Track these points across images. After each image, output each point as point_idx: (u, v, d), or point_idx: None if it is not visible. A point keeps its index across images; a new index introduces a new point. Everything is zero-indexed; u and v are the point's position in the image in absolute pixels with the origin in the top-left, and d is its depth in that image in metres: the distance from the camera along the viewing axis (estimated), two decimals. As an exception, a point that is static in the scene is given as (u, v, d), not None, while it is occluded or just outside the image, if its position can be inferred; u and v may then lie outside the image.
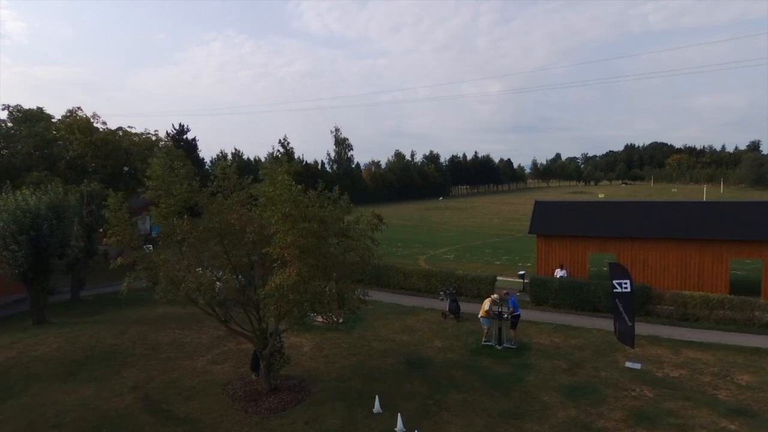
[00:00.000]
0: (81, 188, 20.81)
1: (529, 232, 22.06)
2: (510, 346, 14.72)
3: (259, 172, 10.37)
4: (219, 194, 11.36)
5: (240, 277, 11.41)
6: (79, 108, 27.71)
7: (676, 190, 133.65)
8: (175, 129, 65.12)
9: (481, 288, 20.42)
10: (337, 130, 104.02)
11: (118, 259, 10.62)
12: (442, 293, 18.48)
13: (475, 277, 20.76)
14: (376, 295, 21.45)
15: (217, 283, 11.41)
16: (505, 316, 14.74)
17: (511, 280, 23.60)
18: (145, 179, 11.09)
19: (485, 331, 15.47)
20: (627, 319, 13.18)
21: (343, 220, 11.37)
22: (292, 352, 14.32)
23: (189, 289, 9.68)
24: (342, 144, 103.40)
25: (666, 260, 19.53)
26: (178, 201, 10.63)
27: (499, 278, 21.61)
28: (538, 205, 23.22)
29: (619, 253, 20.36)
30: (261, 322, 11.30)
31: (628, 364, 13.34)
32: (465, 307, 18.15)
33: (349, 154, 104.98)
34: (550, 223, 22.17)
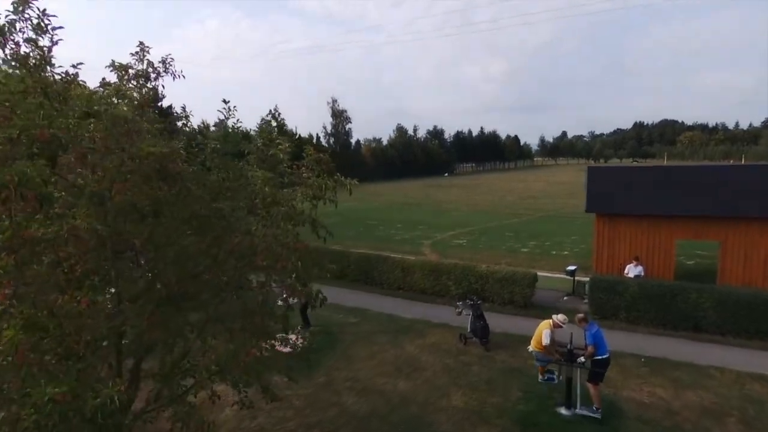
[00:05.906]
0: None
1: (586, 210, 15.27)
2: (590, 414, 8.20)
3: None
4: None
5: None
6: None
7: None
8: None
9: (515, 292, 13.93)
10: (334, 101, 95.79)
11: None
12: (460, 304, 11.96)
13: (507, 275, 14.15)
14: (362, 300, 15.06)
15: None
16: (581, 359, 8.27)
17: (553, 276, 17.15)
18: None
19: (541, 369, 9.25)
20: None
21: (256, 184, 4.88)
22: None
23: None
24: (339, 116, 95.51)
25: (800, 252, 12.90)
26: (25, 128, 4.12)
27: (538, 273, 15.04)
28: (594, 172, 16.26)
29: (726, 241, 13.69)
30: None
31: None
32: (493, 321, 11.70)
33: (347, 127, 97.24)
34: (615, 197, 15.20)
